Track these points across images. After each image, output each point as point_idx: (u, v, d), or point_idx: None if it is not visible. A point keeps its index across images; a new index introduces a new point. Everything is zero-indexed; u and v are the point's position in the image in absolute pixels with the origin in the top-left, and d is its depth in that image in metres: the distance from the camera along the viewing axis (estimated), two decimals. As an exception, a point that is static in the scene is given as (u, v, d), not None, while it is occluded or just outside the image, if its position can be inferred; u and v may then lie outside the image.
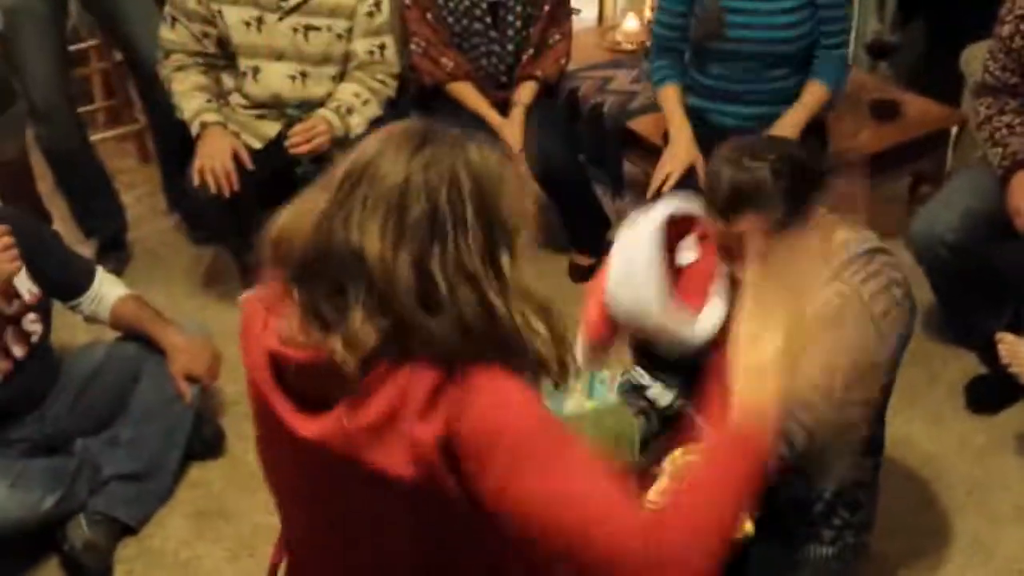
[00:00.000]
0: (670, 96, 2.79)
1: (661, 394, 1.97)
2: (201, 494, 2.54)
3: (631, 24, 3.67)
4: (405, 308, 1.17)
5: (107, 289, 2.54)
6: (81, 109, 3.79)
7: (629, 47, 3.62)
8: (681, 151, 2.72)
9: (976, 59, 2.83)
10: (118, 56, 3.67)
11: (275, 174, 2.93)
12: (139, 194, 3.85)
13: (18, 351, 2.36)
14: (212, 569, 2.35)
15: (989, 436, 2.57)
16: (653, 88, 2.84)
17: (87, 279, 2.51)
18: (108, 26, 3.33)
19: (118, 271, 3.32)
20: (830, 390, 1.71)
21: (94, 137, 3.69)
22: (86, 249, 3.34)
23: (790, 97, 2.73)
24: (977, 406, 2.63)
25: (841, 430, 1.77)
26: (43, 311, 2.43)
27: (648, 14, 3.57)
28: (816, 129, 2.78)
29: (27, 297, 2.38)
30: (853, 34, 3.38)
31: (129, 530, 2.43)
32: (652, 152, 3.03)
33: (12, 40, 3.03)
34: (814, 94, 2.70)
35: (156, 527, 2.45)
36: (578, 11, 3.93)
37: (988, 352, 2.51)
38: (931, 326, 2.91)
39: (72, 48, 3.46)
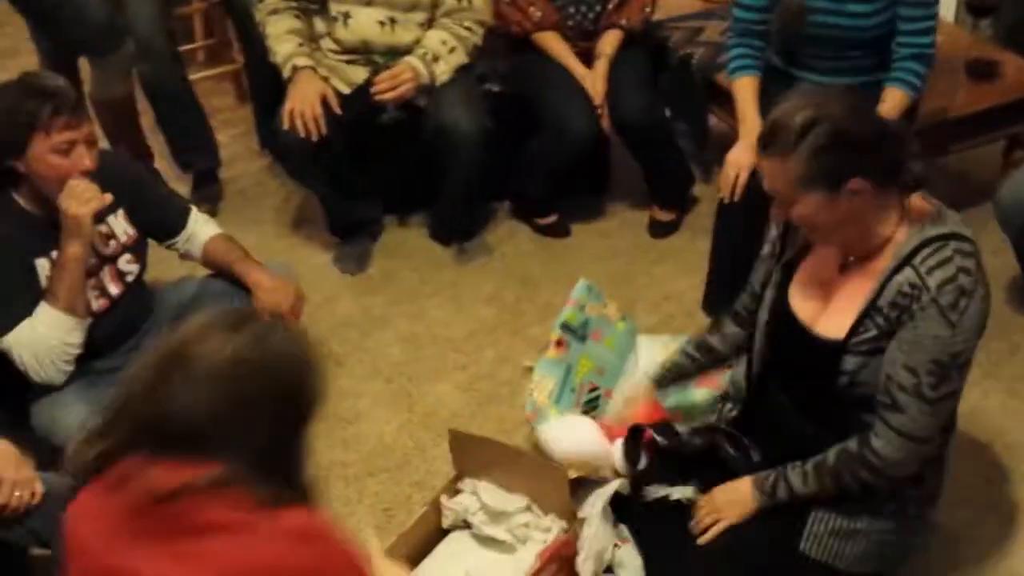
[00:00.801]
0: (746, 88, 2.68)
1: (684, 490, 2.02)
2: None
3: (726, -26, 3.60)
4: None
5: (200, 228, 2.63)
6: (182, 48, 3.90)
7: (722, -3, 3.56)
8: (749, 151, 2.57)
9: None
10: (216, -3, 3.78)
11: (361, 119, 3.00)
12: (234, 134, 3.96)
13: (114, 289, 2.48)
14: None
15: (1066, 412, 2.52)
16: (729, 76, 2.75)
17: (182, 219, 2.61)
18: None
19: (211, 204, 3.48)
20: (918, 388, 1.72)
21: (193, 76, 3.80)
22: (182, 184, 3.49)
23: (869, 69, 2.64)
24: (1056, 380, 2.58)
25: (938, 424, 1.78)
26: (139, 252, 2.54)
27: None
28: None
29: (123, 238, 2.49)
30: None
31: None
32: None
33: None
34: (894, 101, 2.56)
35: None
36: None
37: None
38: (1014, 296, 2.85)
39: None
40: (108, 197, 2.33)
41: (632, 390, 2.36)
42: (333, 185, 3.09)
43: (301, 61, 2.90)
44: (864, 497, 1.87)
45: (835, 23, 2.56)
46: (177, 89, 3.43)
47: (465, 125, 2.90)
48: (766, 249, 2.02)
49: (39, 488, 2.02)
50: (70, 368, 2.33)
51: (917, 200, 1.80)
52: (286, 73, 2.91)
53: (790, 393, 1.96)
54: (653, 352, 2.47)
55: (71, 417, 2.31)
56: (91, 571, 1.34)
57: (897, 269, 1.74)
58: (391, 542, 2.14)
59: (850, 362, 1.79)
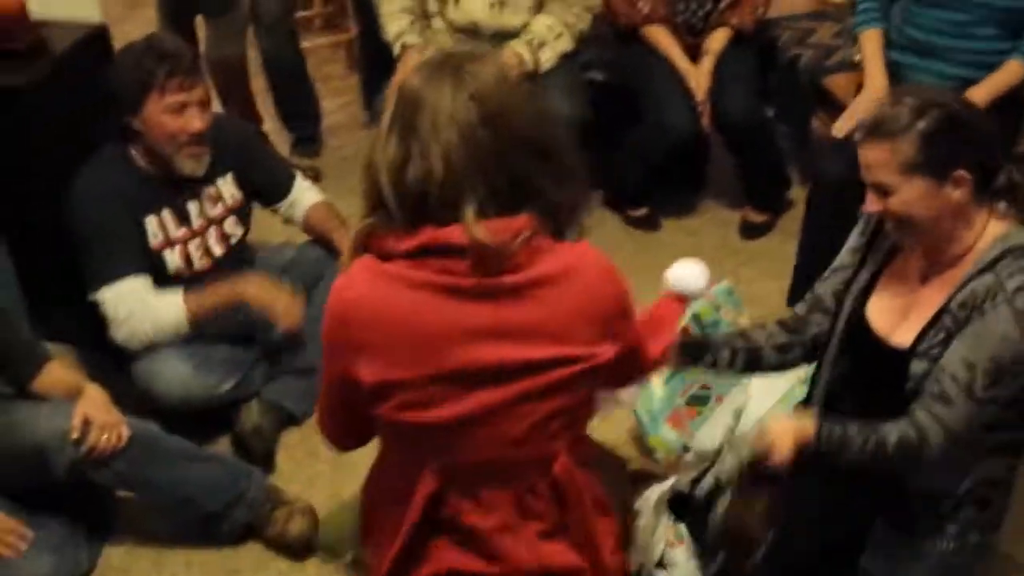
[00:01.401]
0: (872, 39, 2.70)
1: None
2: (362, 395, 2.73)
3: (844, -27, 3.55)
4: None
5: (303, 195, 2.74)
6: (299, 14, 4.03)
7: (838, -1, 3.52)
8: (875, 97, 2.61)
9: None
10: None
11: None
12: (342, 102, 4.06)
13: (218, 250, 2.59)
14: (361, 464, 2.51)
15: None
16: (855, 30, 2.75)
17: (288, 185, 2.72)
18: None
19: (310, 159, 3.62)
20: (971, 385, 1.70)
21: (307, 43, 3.92)
22: (284, 142, 3.61)
23: (994, 63, 2.59)
24: None
25: (980, 429, 1.76)
26: (243, 215, 2.65)
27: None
28: (1011, 104, 2.63)
29: (230, 201, 2.60)
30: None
31: (295, 419, 2.66)
32: (842, 112, 2.96)
33: None
34: (1008, 72, 2.55)
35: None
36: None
37: None
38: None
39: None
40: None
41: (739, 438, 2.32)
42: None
43: (411, 39, 2.97)
44: (927, 518, 1.86)
45: None
46: (292, 62, 3.57)
47: (566, 111, 2.93)
48: (845, 259, 2.00)
49: (125, 432, 2.14)
50: (142, 348, 2.45)
51: (1003, 210, 1.78)
52: (396, 50, 2.98)
53: (857, 402, 1.95)
54: (766, 383, 2.43)
55: (170, 372, 2.45)
56: (408, 337, 1.42)
57: (976, 275, 1.73)
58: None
59: (917, 367, 1.78)
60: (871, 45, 2.70)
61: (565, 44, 3.01)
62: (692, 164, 3.40)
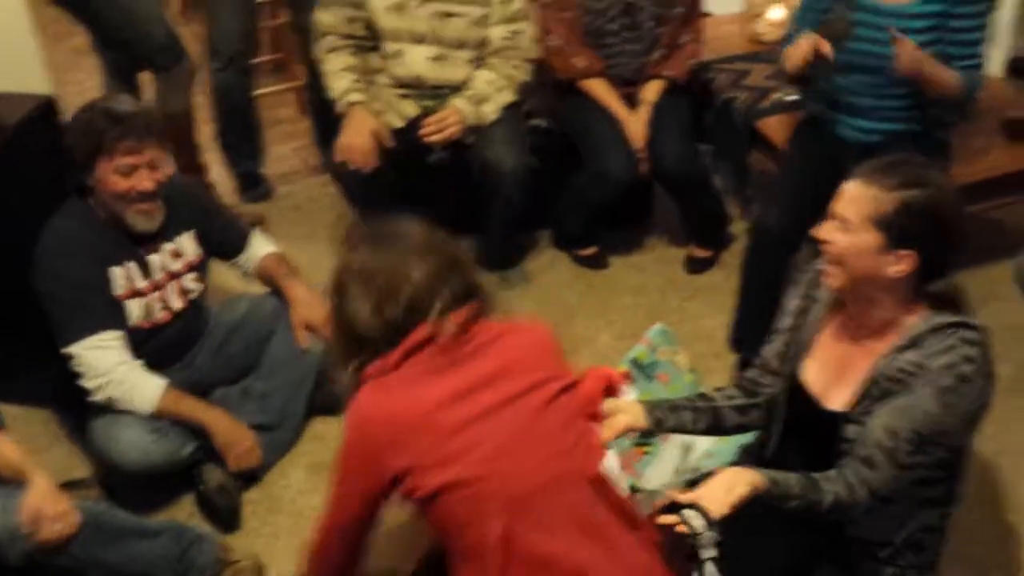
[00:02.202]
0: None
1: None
2: (321, 447, 2.80)
3: (776, 14, 3.66)
4: None
5: (259, 248, 2.83)
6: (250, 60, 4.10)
7: (771, 38, 3.62)
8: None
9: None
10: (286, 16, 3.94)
11: (411, 153, 3.14)
12: (295, 147, 4.13)
13: (177, 304, 2.66)
14: (323, 519, 2.61)
15: (1078, 476, 2.58)
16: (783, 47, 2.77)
17: (244, 241, 2.82)
18: None
19: (258, 206, 3.72)
20: (894, 453, 1.80)
21: (259, 89, 3.99)
22: (232, 190, 3.71)
23: (916, 116, 2.70)
24: (1070, 444, 2.63)
25: (905, 487, 1.85)
26: (202, 270, 2.74)
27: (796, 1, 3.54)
28: (939, 147, 2.76)
29: (191, 257, 2.68)
30: (994, 50, 3.29)
31: (256, 476, 2.72)
32: (777, 153, 3.08)
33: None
34: (951, 73, 2.59)
35: (279, 475, 2.74)
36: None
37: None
38: (1035, 357, 2.90)
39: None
40: None
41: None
42: (383, 212, 3.23)
43: (355, 97, 3.05)
44: (866, 562, 1.95)
45: (880, 52, 2.59)
46: (242, 98, 3.65)
47: (509, 164, 3.03)
48: (785, 321, 2.09)
49: (76, 519, 2.16)
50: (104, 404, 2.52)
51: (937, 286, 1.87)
52: (341, 108, 3.06)
53: (801, 458, 2.04)
54: None
55: (128, 437, 2.50)
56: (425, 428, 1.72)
57: (903, 349, 1.82)
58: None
59: (850, 431, 1.87)
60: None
61: (507, 96, 3.11)
62: (637, 202, 3.50)
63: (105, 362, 2.46)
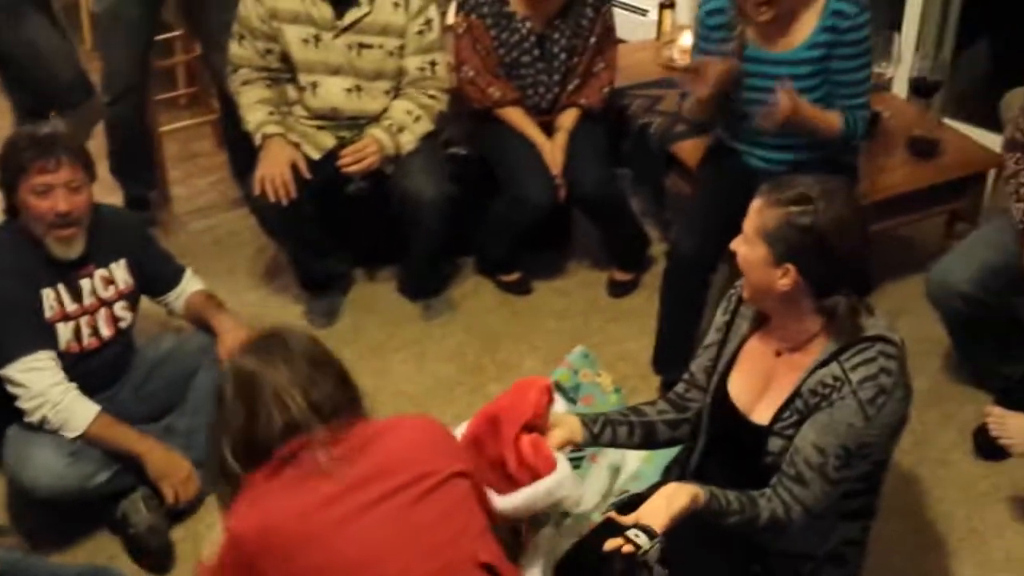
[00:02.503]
0: None
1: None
2: (245, 484, 2.76)
3: (687, 40, 3.72)
4: None
5: (188, 286, 2.81)
6: (165, 95, 4.06)
7: (683, 63, 3.68)
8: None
9: (1014, 106, 2.86)
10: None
11: (330, 184, 3.12)
12: (212, 180, 4.07)
13: (106, 331, 2.63)
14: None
15: (991, 483, 2.65)
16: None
17: (177, 278, 2.80)
18: (191, 20, 3.63)
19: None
20: (823, 468, 1.83)
21: (175, 123, 3.96)
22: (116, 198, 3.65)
23: (817, 143, 2.75)
24: (983, 453, 2.70)
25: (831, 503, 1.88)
26: (133, 300, 2.71)
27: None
28: (846, 169, 2.83)
29: (122, 286, 2.65)
30: (899, 68, 3.39)
31: (181, 513, 2.67)
32: (692, 176, 3.14)
33: (106, 27, 3.34)
34: (832, 116, 2.69)
35: (205, 512, 2.68)
36: (645, 12, 4.03)
37: (1003, 399, 2.59)
38: (948, 367, 2.98)
39: (160, 37, 3.72)
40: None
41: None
42: (303, 243, 3.22)
43: (271, 129, 3.03)
44: (791, 570, 1.98)
45: (766, 100, 2.63)
46: (138, 134, 3.62)
47: (429, 194, 3.03)
48: (712, 336, 2.12)
49: None
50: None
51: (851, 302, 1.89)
52: (257, 141, 3.04)
53: (724, 471, 2.07)
54: None
55: (42, 459, 2.46)
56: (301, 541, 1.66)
57: (823, 363, 1.86)
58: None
59: (774, 444, 1.91)
60: None
61: (424, 126, 3.11)
62: (557, 227, 3.52)
63: (41, 383, 2.45)
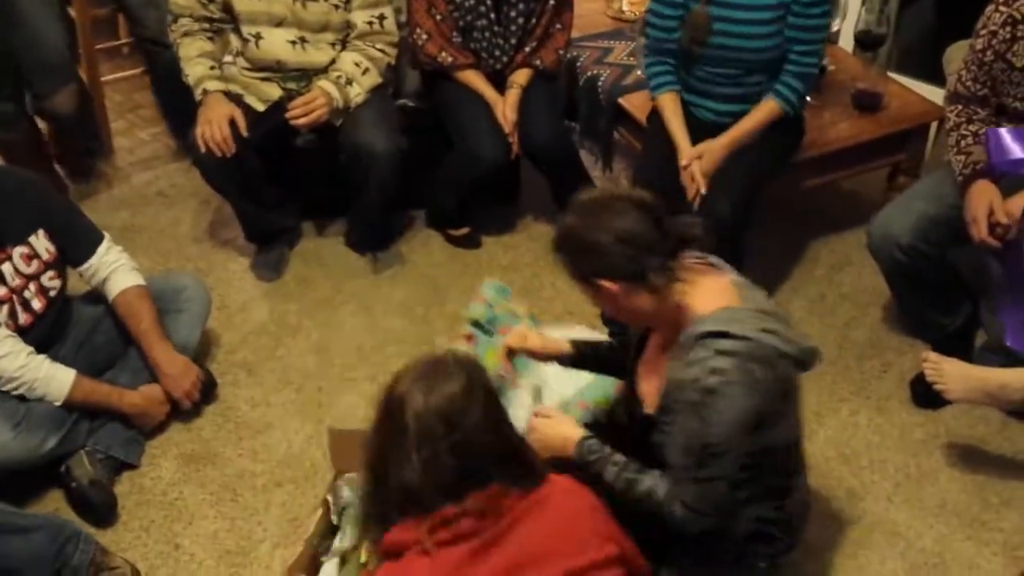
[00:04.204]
0: (667, 104, 2.83)
1: None
2: (192, 438, 2.76)
3: (636, -9, 3.72)
4: None
5: (112, 273, 2.69)
6: (104, 45, 3.97)
7: (632, 16, 3.69)
8: (683, 159, 2.78)
9: (957, 59, 2.89)
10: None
11: (276, 138, 3.08)
12: (156, 131, 4.00)
13: (37, 304, 2.58)
14: (196, 510, 2.57)
15: (928, 431, 2.71)
16: (651, 94, 2.89)
17: (90, 249, 2.69)
18: None
19: (86, 171, 3.70)
20: (688, 470, 1.85)
21: (116, 73, 3.88)
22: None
23: (764, 96, 2.80)
24: (920, 401, 2.77)
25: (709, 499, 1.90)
26: (60, 268, 2.64)
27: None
28: (792, 120, 2.86)
29: (45, 256, 2.58)
30: (845, 22, 3.42)
31: (125, 467, 2.66)
32: (640, 129, 3.14)
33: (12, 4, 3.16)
34: (765, 112, 2.77)
35: (148, 467, 2.68)
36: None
37: (939, 347, 2.65)
38: (888, 318, 3.04)
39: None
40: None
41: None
42: (249, 197, 3.18)
43: (212, 85, 2.97)
44: (715, 550, 2.02)
45: (734, 45, 2.70)
46: (79, 103, 3.50)
47: (379, 147, 3.00)
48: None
49: None
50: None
51: (716, 281, 1.89)
52: (197, 96, 2.98)
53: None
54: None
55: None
56: None
57: (673, 365, 1.86)
58: (298, 551, 2.25)
59: (656, 437, 1.92)
60: (668, 110, 2.83)
61: (373, 78, 3.07)
62: (507, 181, 3.51)
63: (9, 368, 2.46)
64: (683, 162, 2.77)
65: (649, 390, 2.02)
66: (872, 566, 2.38)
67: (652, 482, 1.92)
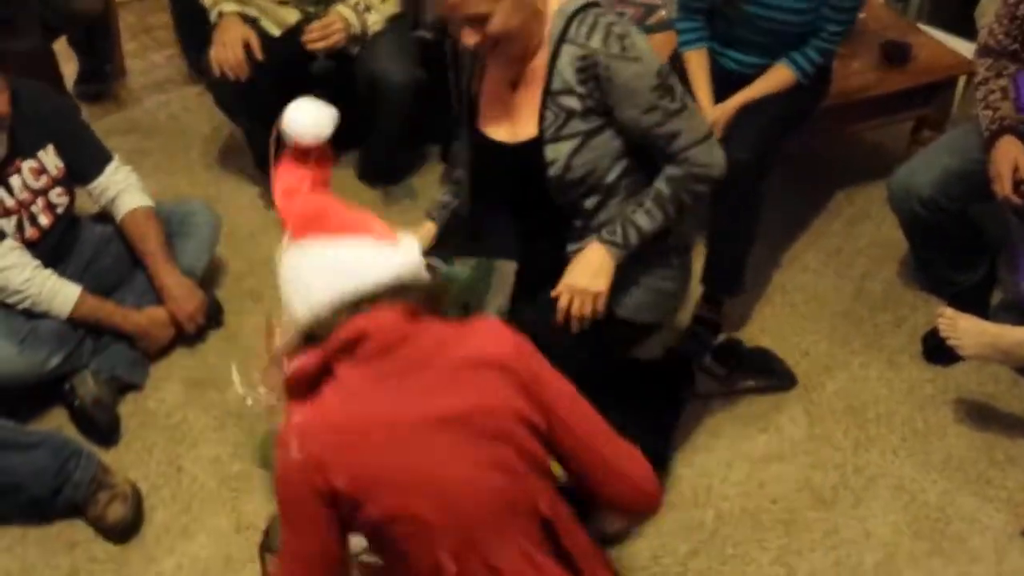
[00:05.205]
0: (693, 60, 2.77)
1: None
2: (197, 363, 2.75)
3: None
4: None
5: (121, 192, 2.68)
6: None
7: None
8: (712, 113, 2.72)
9: (989, 13, 2.83)
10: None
11: (291, 62, 3.03)
12: (169, 54, 3.96)
13: (44, 220, 2.55)
14: (199, 434, 2.57)
15: (937, 387, 2.68)
16: (680, 49, 2.81)
17: (98, 167, 2.67)
18: None
19: (98, 93, 3.66)
20: (668, 111, 1.97)
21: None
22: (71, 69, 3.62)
23: (792, 47, 2.70)
24: (932, 356, 2.73)
25: None
26: (68, 185, 2.61)
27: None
28: (822, 72, 2.79)
29: (54, 172, 2.56)
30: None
31: (128, 388, 2.66)
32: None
33: None
34: (780, 78, 2.70)
35: (152, 389, 2.67)
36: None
37: (954, 303, 2.61)
38: (904, 273, 3.00)
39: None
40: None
41: None
42: (261, 124, 3.10)
43: (228, 7, 2.92)
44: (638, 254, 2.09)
45: (767, 16, 2.63)
46: (98, 16, 3.51)
47: (396, 77, 2.95)
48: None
49: None
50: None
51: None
52: (212, 18, 2.93)
53: (511, 212, 2.23)
54: None
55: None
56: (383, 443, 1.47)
57: (556, 53, 1.95)
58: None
59: (552, 151, 2.00)
60: (694, 66, 2.76)
61: (391, 7, 3.01)
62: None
63: (15, 280, 2.44)
64: None
65: (512, 129, 2.06)
66: (875, 517, 2.37)
67: (662, 179, 2.04)
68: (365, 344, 1.48)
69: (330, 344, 1.49)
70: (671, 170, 2.03)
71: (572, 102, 1.96)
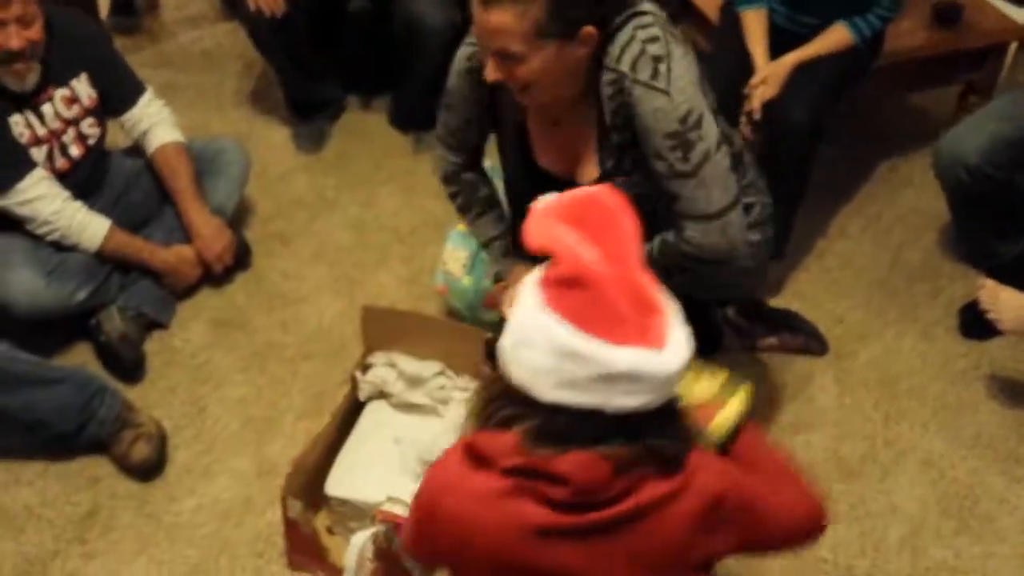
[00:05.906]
0: (751, 18, 2.68)
1: None
2: (223, 304, 2.73)
3: None
4: None
5: (153, 125, 2.66)
6: None
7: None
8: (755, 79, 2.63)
9: (1049, -22, 2.73)
10: None
11: (328, 1, 2.98)
12: (204, -11, 3.91)
13: (75, 151, 2.53)
14: (223, 375, 2.56)
15: (971, 361, 2.63)
16: (738, 9, 2.73)
17: (132, 98, 2.65)
18: None
19: (131, 26, 3.63)
20: (673, 169, 1.79)
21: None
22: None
23: (847, 8, 2.65)
24: (967, 330, 2.68)
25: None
26: (100, 115, 2.59)
27: None
28: (874, 34, 2.70)
29: (86, 101, 2.53)
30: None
31: (154, 326, 2.65)
32: (709, 29, 2.99)
33: None
34: (837, 39, 2.62)
35: (178, 328, 2.66)
36: None
37: (995, 276, 2.55)
38: (944, 243, 2.94)
39: None
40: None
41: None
42: (295, 63, 3.09)
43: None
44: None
45: None
46: None
47: (435, 20, 2.89)
48: (463, 111, 2.05)
49: None
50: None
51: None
52: (251, -49, 2.87)
53: None
54: None
55: (20, 280, 2.42)
56: None
57: (598, 81, 1.76)
58: (323, 423, 2.23)
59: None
60: (752, 24, 2.68)
61: (432, -53, 2.95)
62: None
63: (45, 211, 2.44)
64: (752, 82, 2.62)
65: (568, 162, 1.93)
66: (901, 490, 2.33)
67: (657, 240, 1.87)
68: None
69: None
70: (667, 233, 1.86)
71: (617, 137, 1.81)
